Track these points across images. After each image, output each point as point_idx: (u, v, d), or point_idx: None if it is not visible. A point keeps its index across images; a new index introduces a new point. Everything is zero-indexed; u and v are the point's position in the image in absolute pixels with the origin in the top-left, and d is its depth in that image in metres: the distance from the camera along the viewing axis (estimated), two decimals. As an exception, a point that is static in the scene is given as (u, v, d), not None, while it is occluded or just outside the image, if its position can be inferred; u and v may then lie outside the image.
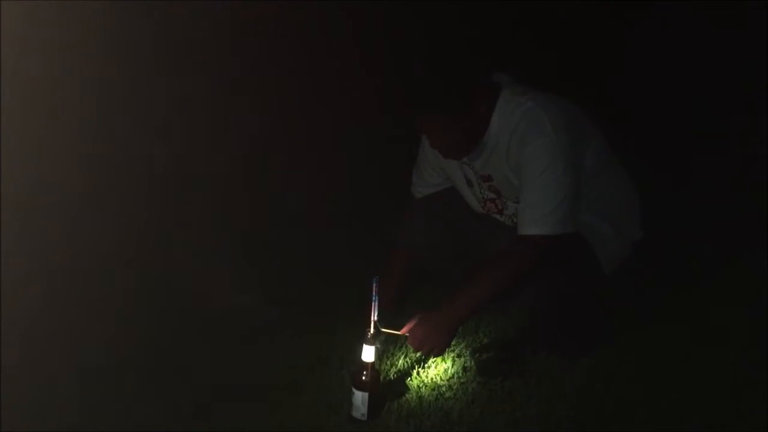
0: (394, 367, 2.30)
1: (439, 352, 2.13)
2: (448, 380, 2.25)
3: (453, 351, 2.35)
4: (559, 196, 2.07)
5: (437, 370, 2.28)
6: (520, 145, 2.10)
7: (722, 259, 2.83)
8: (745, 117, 3.78)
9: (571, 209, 2.10)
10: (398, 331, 2.14)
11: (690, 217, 3.08)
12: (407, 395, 2.19)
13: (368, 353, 2.07)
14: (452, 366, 2.30)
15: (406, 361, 2.32)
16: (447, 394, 2.20)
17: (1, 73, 3.09)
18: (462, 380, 2.25)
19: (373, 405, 2.09)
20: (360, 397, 2.08)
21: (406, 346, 2.32)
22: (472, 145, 2.17)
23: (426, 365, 2.30)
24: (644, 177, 2.42)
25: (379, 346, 2.10)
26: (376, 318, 2.10)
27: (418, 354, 2.28)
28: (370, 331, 2.09)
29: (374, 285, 2.09)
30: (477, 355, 2.35)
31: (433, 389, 2.22)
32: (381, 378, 2.19)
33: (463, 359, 2.33)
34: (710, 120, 3.78)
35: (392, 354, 2.34)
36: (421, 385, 2.23)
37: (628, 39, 4.33)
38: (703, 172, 3.40)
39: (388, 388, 2.20)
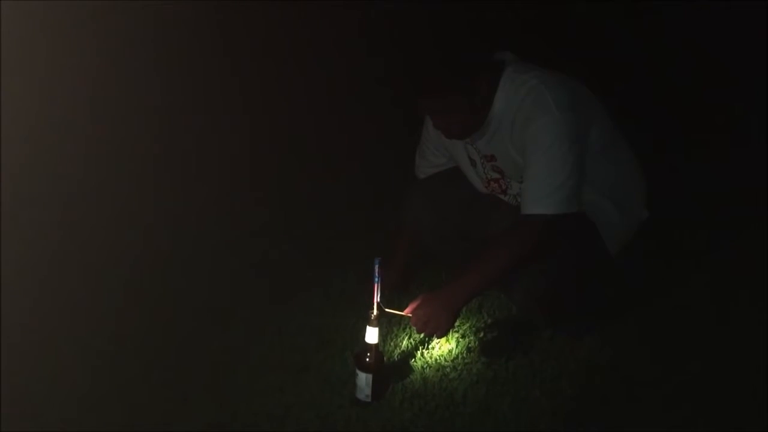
0: (397, 348, 2.29)
1: (442, 334, 2.12)
2: (452, 361, 2.24)
3: (457, 331, 2.34)
4: (563, 175, 2.04)
5: (441, 351, 2.27)
6: (524, 124, 2.07)
7: (727, 240, 2.80)
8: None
9: (575, 188, 2.07)
10: (401, 311, 2.13)
11: (694, 199, 3.06)
12: (411, 376, 2.19)
13: (371, 335, 2.07)
14: (456, 346, 2.29)
15: (410, 342, 2.31)
16: (451, 375, 2.19)
17: (1, 73, 3.09)
18: (466, 361, 2.24)
19: (377, 386, 2.08)
20: (364, 379, 2.07)
21: (409, 327, 2.31)
22: (475, 125, 2.15)
23: (430, 346, 2.30)
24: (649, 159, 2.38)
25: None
26: (378, 299, 2.09)
27: (422, 335, 2.27)
28: (373, 313, 2.08)
29: (376, 266, 2.08)
30: (481, 335, 2.34)
31: (438, 370, 2.21)
32: (385, 359, 2.18)
33: (467, 339, 2.32)
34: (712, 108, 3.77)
35: (396, 335, 2.34)
36: (425, 366, 2.22)
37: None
38: (706, 157, 3.38)
39: (392, 370, 2.19)
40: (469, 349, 2.28)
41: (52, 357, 2.26)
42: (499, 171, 2.25)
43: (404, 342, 2.31)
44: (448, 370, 2.21)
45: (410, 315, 2.11)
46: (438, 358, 2.25)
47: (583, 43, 4.19)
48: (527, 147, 2.08)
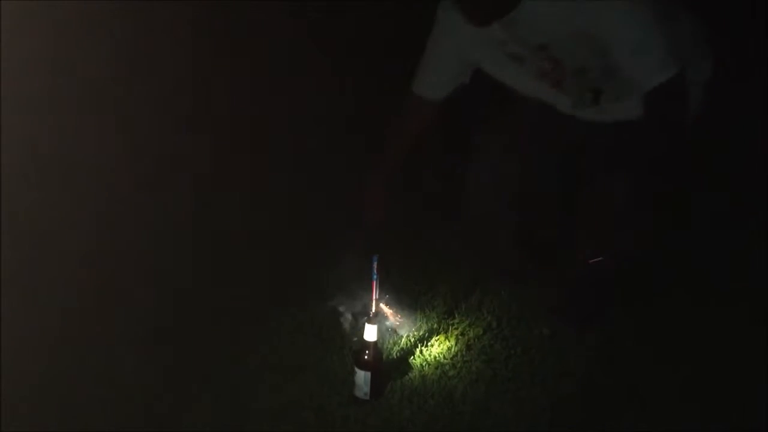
0: (396, 345, 2.27)
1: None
2: (451, 359, 2.22)
3: (456, 329, 2.33)
4: (659, 35, 1.82)
5: (440, 349, 2.26)
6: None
7: (727, 240, 2.78)
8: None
9: (672, 45, 1.84)
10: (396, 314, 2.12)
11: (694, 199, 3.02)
12: (410, 374, 2.17)
13: (370, 332, 2.05)
14: (455, 344, 2.27)
15: (409, 340, 2.29)
16: (450, 373, 2.18)
17: (2, 73, 3.05)
18: (465, 359, 2.22)
19: (376, 384, 2.07)
20: (362, 377, 2.06)
21: (408, 325, 2.30)
22: None
23: (429, 344, 2.28)
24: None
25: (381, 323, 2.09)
26: (377, 297, 2.07)
27: (421, 332, 2.27)
28: (371, 310, 2.06)
29: (374, 264, 2.06)
30: (480, 333, 2.33)
31: (437, 368, 2.19)
32: (383, 357, 2.16)
33: (466, 337, 2.30)
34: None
35: (395, 333, 2.31)
36: (424, 364, 2.21)
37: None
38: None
39: (390, 367, 2.18)
40: (468, 347, 2.27)
41: (52, 357, 2.23)
42: (554, 61, 1.96)
43: (403, 339, 2.29)
44: (447, 368, 2.19)
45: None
46: (437, 356, 2.23)
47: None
48: (601, 22, 1.81)
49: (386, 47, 3.78)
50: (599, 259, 2.20)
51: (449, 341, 2.28)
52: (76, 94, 3.39)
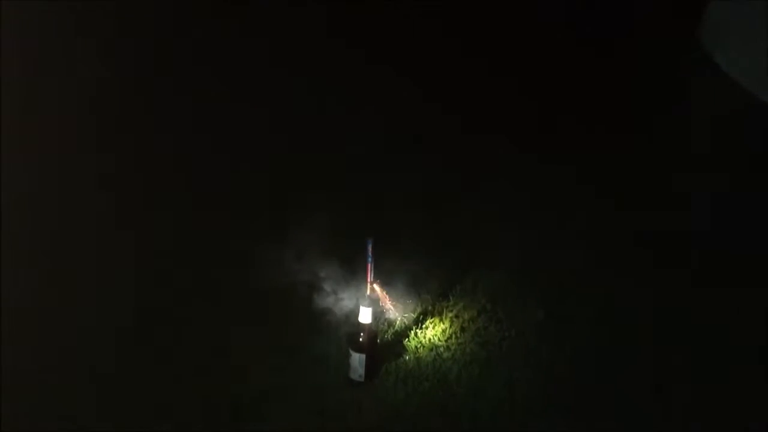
0: (391, 328, 2.28)
1: None
2: (445, 341, 2.23)
3: (451, 311, 2.34)
4: None
5: (435, 331, 2.27)
6: None
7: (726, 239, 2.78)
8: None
9: None
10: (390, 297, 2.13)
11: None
12: (405, 356, 2.18)
13: (365, 315, 2.06)
14: (450, 327, 2.28)
15: (403, 322, 2.30)
16: (445, 355, 2.19)
17: (2, 74, 3.07)
18: (460, 341, 2.23)
19: (371, 366, 2.09)
20: (357, 359, 2.07)
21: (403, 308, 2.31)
22: None
23: (423, 326, 2.29)
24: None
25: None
26: (371, 279, 2.08)
27: (416, 314, 2.28)
28: (366, 293, 2.07)
29: (369, 247, 2.08)
30: (475, 315, 2.33)
31: (431, 350, 2.20)
32: (378, 339, 2.17)
33: (460, 320, 2.31)
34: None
35: (389, 315, 2.32)
36: (418, 346, 2.22)
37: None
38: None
39: (385, 350, 2.19)
40: (462, 330, 2.27)
41: (52, 357, 2.24)
42: None
43: (398, 322, 2.30)
44: (441, 350, 2.20)
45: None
46: (431, 338, 2.24)
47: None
48: None
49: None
50: None
51: (444, 323, 2.29)
52: (76, 94, 3.41)
